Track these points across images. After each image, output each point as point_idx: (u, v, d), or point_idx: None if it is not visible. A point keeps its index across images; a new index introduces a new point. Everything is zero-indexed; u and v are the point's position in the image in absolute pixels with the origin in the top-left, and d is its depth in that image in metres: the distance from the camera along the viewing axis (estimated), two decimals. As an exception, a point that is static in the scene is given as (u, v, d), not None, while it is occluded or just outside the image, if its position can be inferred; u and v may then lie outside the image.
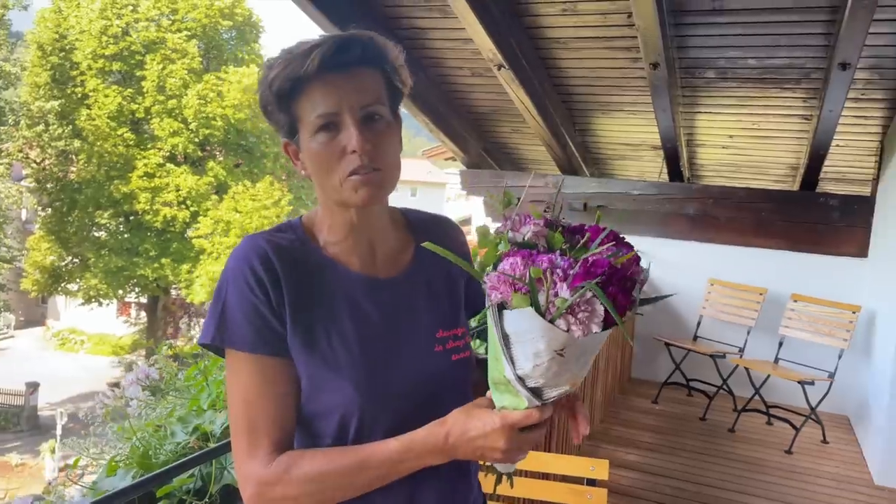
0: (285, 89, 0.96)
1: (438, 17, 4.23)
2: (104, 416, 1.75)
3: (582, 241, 0.92)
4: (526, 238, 0.91)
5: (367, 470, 0.94)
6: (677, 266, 5.60)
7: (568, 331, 0.84)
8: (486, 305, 0.88)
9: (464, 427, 0.91)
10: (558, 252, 0.89)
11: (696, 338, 5.41)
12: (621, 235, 0.95)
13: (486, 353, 0.95)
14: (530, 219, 0.92)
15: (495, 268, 0.89)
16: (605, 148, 5.97)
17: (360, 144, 0.95)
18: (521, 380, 0.88)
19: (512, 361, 0.87)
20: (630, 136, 5.64)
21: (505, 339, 0.87)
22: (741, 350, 5.15)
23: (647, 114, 4.91)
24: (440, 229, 1.18)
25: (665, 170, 5.67)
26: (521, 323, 0.85)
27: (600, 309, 0.84)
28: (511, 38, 4.17)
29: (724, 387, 5.06)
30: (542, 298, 0.84)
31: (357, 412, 0.98)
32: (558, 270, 0.84)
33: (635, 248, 0.93)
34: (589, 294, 0.83)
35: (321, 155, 0.97)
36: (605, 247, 0.90)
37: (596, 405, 4.40)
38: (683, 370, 5.27)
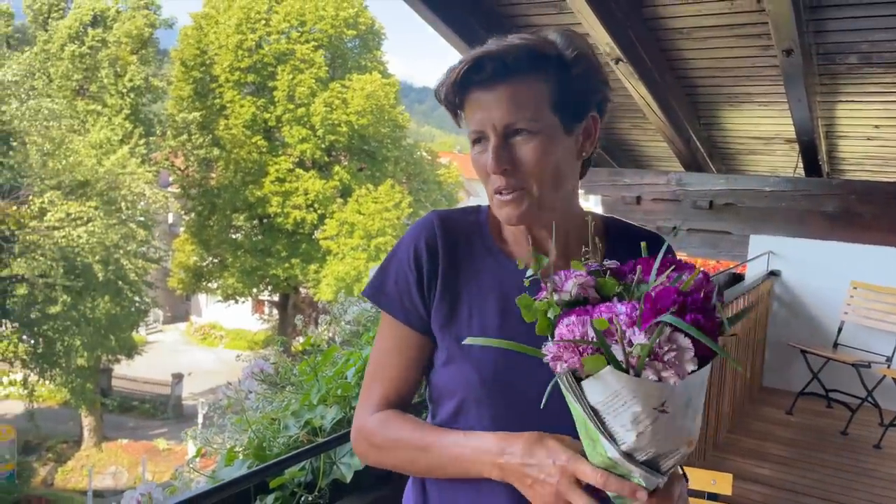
0: (451, 100, 0.99)
1: (553, 12, 4.15)
2: (226, 408, 1.84)
3: (636, 278, 0.82)
4: (573, 295, 0.81)
5: (427, 453, 0.97)
6: (814, 267, 5.22)
7: (660, 380, 0.72)
8: (557, 381, 0.78)
9: (528, 451, 0.85)
10: (615, 298, 0.81)
11: (836, 345, 5.01)
12: (679, 258, 0.85)
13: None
14: (571, 273, 0.83)
15: (551, 338, 0.78)
16: (734, 142, 5.66)
17: (493, 167, 0.95)
18: (629, 456, 0.75)
19: (611, 437, 0.75)
20: (761, 128, 5.30)
21: (594, 413, 0.76)
22: (889, 359, 4.71)
23: (781, 105, 4.60)
24: (642, 246, 0.98)
25: (801, 164, 5.31)
26: (605, 388, 0.74)
27: (687, 342, 0.73)
28: (630, 31, 4.02)
29: (869, 399, 4.64)
30: (617, 352, 0.73)
31: (474, 404, 0.98)
32: (622, 316, 0.75)
33: (699, 266, 0.82)
34: (668, 330, 0.73)
35: (476, 166, 1.00)
36: (665, 275, 0.79)
37: (723, 415, 4.16)
38: (822, 380, 4.88)
